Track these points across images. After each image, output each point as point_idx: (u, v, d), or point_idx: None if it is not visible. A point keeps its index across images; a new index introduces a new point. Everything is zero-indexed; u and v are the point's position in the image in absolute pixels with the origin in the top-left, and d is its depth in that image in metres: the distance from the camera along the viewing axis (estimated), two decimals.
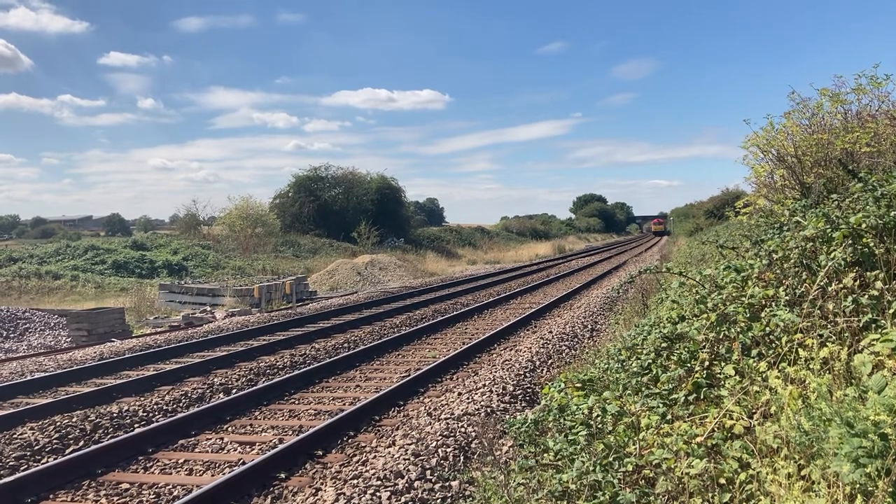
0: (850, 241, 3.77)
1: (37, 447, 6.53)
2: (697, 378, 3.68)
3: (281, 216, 44.59)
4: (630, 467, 3.22)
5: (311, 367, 9.86)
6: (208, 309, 18.89)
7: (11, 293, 23.62)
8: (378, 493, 4.93)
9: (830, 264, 3.67)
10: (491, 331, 12.62)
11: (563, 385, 4.53)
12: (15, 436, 6.81)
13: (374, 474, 5.24)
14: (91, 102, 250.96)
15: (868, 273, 3.61)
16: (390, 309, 16.89)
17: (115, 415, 7.57)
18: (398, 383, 8.44)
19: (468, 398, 7.50)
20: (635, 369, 4.32)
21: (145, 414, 7.75)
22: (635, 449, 3.31)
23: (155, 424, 7.04)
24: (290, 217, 45.91)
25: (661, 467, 3.00)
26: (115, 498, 5.43)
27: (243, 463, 5.99)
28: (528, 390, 8.03)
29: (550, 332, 11.87)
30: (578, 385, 4.49)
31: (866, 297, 3.41)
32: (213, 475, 5.82)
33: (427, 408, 7.35)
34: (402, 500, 4.88)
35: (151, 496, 5.43)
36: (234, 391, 8.82)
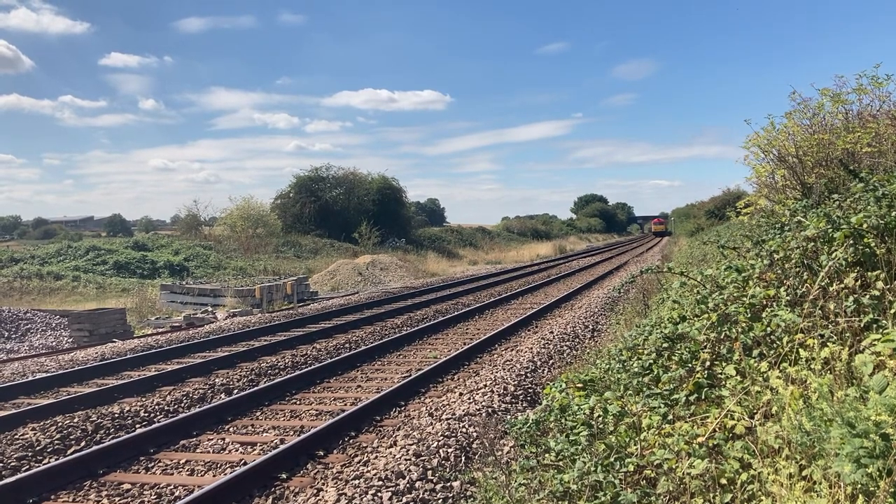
0: (851, 242, 3.77)
1: (38, 447, 6.54)
2: (699, 378, 3.68)
3: (282, 216, 44.64)
4: (631, 467, 3.22)
5: (313, 367, 9.86)
6: (209, 309, 18.90)
7: (13, 294, 23.65)
8: (379, 494, 4.93)
9: (831, 264, 3.66)
10: (492, 331, 12.62)
11: (564, 385, 4.54)
12: (17, 436, 6.82)
13: (375, 475, 5.25)
14: (92, 103, 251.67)
15: (869, 273, 3.61)
16: (391, 309, 16.89)
17: (116, 415, 7.58)
18: (399, 383, 8.44)
19: (469, 398, 7.50)
20: (636, 369, 4.32)
21: (147, 414, 7.76)
22: (636, 449, 3.31)
23: (156, 425, 7.05)
24: (292, 217, 45.92)
25: (663, 467, 3.00)
26: (117, 498, 5.44)
27: (245, 463, 6.00)
28: (530, 390, 8.03)
29: (551, 332, 11.87)
30: (580, 385, 4.49)
31: (867, 297, 3.41)
32: (214, 475, 5.82)
33: (428, 408, 7.35)
34: (404, 500, 4.89)
35: (153, 496, 5.44)
36: (235, 391, 8.83)
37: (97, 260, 30.28)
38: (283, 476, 5.66)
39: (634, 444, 3.35)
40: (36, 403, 8.26)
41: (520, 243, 61.76)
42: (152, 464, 6.22)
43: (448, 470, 5.45)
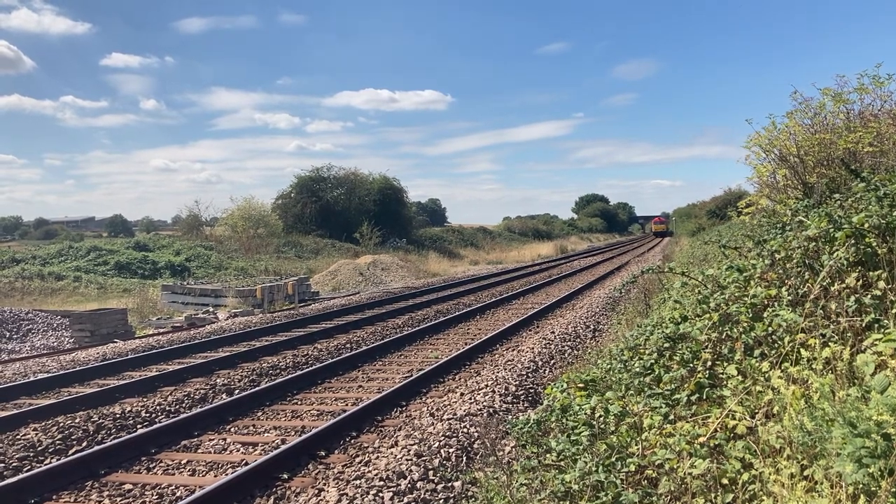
0: (852, 241, 3.77)
1: (40, 448, 6.54)
2: (700, 378, 3.68)
3: (283, 217, 44.64)
4: (633, 468, 3.22)
5: (314, 367, 9.87)
6: (211, 310, 18.92)
7: (14, 294, 23.67)
8: (381, 494, 4.93)
9: (833, 264, 3.66)
10: (493, 331, 12.62)
11: (565, 385, 4.54)
12: (18, 437, 6.83)
13: (376, 475, 5.25)
14: (93, 103, 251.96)
15: (871, 273, 3.61)
16: (392, 309, 16.90)
17: (117, 415, 7.59)
18: (401, 384, 8.44)
19: (470, 398, 7.50)
20: (638, 369, 4.32)
21: (148, 415, 7.76)
22: (638, 449, 3.31)
23: (158, 425, 7.06)
24: (293, 218, 45.93)
25: (664, 467, 3.00)
26: (119, 498, 5.44)
27: (246, 463, 6.00)
28: (531, 391, 8.03)
29: (553, 332, 11.87)
30: (581, 385, 4.49)
31: (869, 296, 3.40)
32: (215, 476, 5.83)
33: (429, 408, 7.35)
34: (405, 500, 4.89)
35: (154, 497, 5.44)
36: (236, 392, 8.83)
37: (98, 260, 30.30)
38: (285, 476, 5.66)
39: (636, 444, 3.34)
40: (37, 404, 8.27)
41: (521, 243, 61.75)
42: (154, 464, 6.22)
43: (449, 470, 5.45)
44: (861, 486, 2.13)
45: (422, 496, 4.96)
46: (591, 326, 12.55)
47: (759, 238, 5.21)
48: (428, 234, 55.89)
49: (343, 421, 6.85)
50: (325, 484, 5.42)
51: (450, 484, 5.20)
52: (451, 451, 5.85)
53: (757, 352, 3.61)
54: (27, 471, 5.95)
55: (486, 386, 7.98)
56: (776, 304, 3.87)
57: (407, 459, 5.56)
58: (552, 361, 9.58)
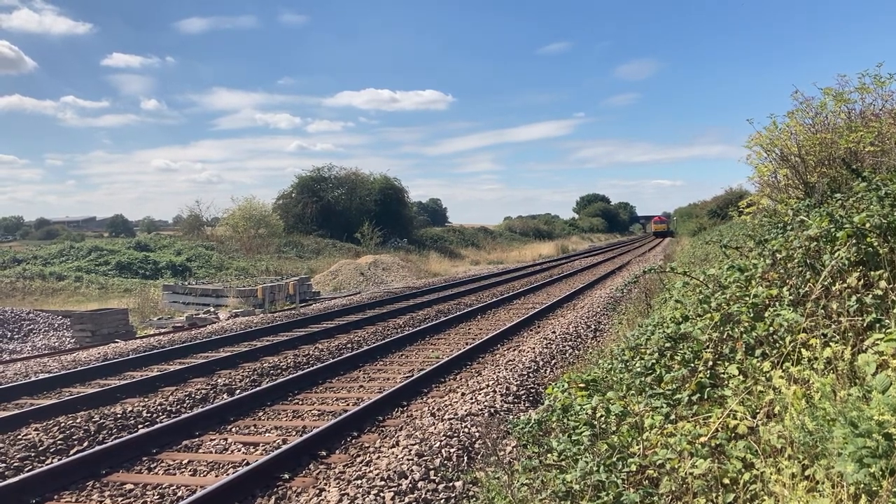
0: (853, 241, 3.76)
1: (41, 448, 6.55)
2: (701, 378, 3.68)
3: (284, 217, 44.65)
4: (634, 467, 3.22)
5: (315, 367, 9.86)
6: (212, 310, 18.92)
7: (15, 294, 23.69)
8: (382, 494, 4.93)
9: (834, 264, 3.66)
10: (494, 331, 12.62)
11: (566, 385, 4.53)
12: (19, 437, 6.83)
13: (377, 475, 5.25)
14: (94, 104, 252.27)
15: (872, 272, 3.61)
16: (393, 309, 16.90)
17: (119, 415, 7.59)
18: (402, 384, 8.44)
19: (472, 398, 7.50)
20: (639, 369, 4.32)
21: (149, 415, 7.77)
22: (639, 449, 3.30)
23: (159, 425, 7.06)
24: (294, 218, 45.94)
25: (665, 467, 3.00)
26: (120, 498, 5.45)
27: (247, 464, 6.00)
28: (532, 390, 8.03)
29: (554, 332, 11.87)
30: (582, 385, 4.49)
31: (870, 296, 3.40)
32: (217, 476, 5.83)
33: (430, 408, 7.35)
34: (406, 500, 4.89)
35: (156, 497, 5.44)
36: (237, 392, 8.83)
37: (99, 260, 30.33)
38: (286, 476, 5.67)
39: (637, 444, 3.34)
40: (39, 404, 8.28)
41: (522, 243, 61.73)
42: (155, 464, 6.23)
43: (450, 470, 5.45)
44: (862, 485, 2.12)
45: (423, 496, 4.96)
46: (593, 326, 12.55)
47: (761, 238, 5.20)
48: (429, 234, 55.89)
49: (344, 421, 6.86)
50: (326, 484, 5.42)
51: (451, 484, 5.20)
52: (452, 450, 5.85)
53: (758, 351, 3.61)
54: (28, 471, 5.95)
55: (488, 386, 7.98)
56: (777, 303, 3.87)
57: (408, 459, 5.56)
58: (553, 361, 9.57)
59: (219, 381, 9.31)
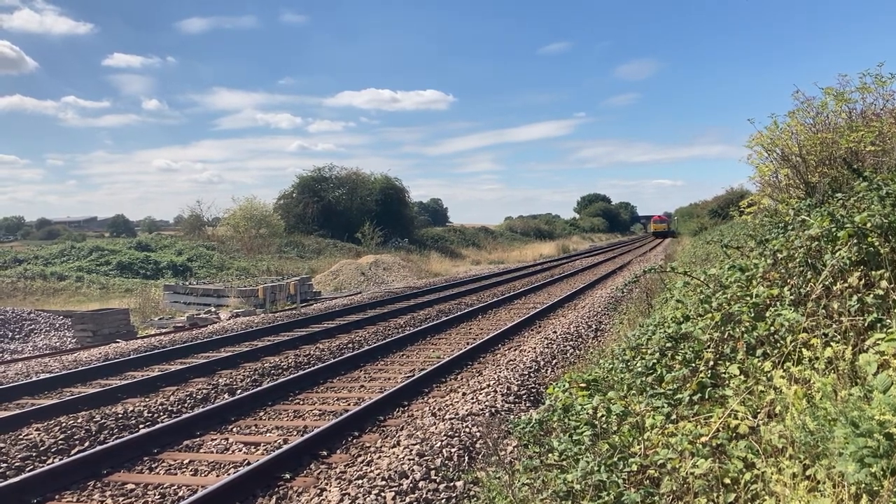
0: (855, 241, 3.76)
1: (42, 448, 6.56)
2: (702, 378, 3.68)
3: (285, 217, 44.67)
4: (635, 467, 3.22)
5: (316, 367, 9.87)
6: (213, 310, 18.93)
7: (17, 294, 23.71)
8: (383, 494, 4.93)
9: (835, 263, 3.66)
10: (495, 331, 12.62)
11: (567, 385, 4.53)
12: (21, 437, 6.84)
13: (378, 475, 5.25)
14: (95, 104, 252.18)
15: (873, 272, 3.60)
16: (394, 309, 16.90)
17: (120, 415, 7.59)
18: (403, 383, 8.45)
19: (472, 398, 7.50)
20: (640, 369, 4.31)
21: (150, 415, 7.77)
22: (640, 449, 3.30)
23: (160, 425, 7.06)
24: (294, 218, 45.96)
25: (666, 467, 3.00)
26: (121, 498, 5.45)
27: (248, 463, 6.01)
28: (533, 390, 8.03)
29: (555, 332, 11.87)
30: (583, 385, 4.49)
31: (871, 296, 3.40)
32: (218, 476, 5.83)
33: (431, 408, 7.35)
34: (407, 500, 4.89)
35: (157, 496, 5.45)
36: (238, 392, 8.84)
37: (100, 260, 30.36)
38: (287, 476, 5.67)
39: (638, 444, 3.34)
40: (40, 404, 8.29)
41: (523, 243, 61.73)
42: (156, 464, 6.23)
43: (451, 470, 5.45)
44: (863, 485, 2.12)
45: (424, 496, 4.96)
46: (594, 326, 12.54)
47: (762, 237, 5.20)
48: (430, 233, 55.90)
49: (345, 421, 6.86)
50: (327, 483, 5.43)
51: (452, 483, 5.20)
52: (453, 450, 5.85)
53: (759, 351, 3.61)
54: (30, 471, 5.96)
55: (488, 386, 7.98)
56: (778, 303, 3.87)
57: (409, 459, 5.56)
58: (554, 361, 9.57)
59: (220, 380, 9.31)
